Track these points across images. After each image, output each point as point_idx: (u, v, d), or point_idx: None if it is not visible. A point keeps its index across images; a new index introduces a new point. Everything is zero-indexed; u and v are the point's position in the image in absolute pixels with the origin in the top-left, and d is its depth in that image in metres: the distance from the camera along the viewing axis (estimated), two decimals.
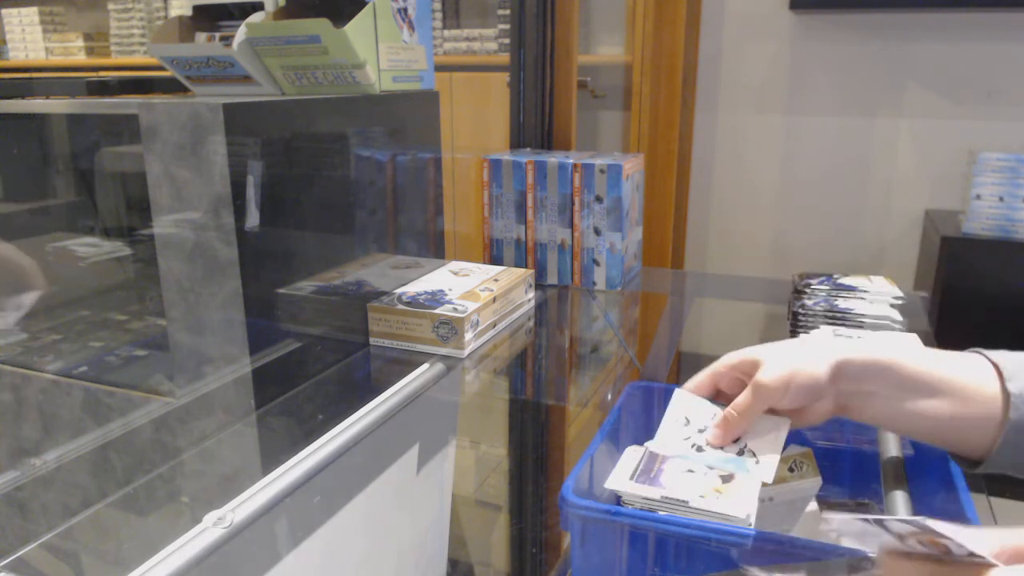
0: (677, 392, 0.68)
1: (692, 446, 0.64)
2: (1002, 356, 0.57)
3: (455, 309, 1.02)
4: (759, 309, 1.43)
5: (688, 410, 0.67)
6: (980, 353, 0.59)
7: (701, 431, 0.65)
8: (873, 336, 1.00)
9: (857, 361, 0.58)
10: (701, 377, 0.67)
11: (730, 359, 0.65)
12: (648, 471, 0.71)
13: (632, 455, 0.75)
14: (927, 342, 0.98)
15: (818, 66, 2.30)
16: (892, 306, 1.11)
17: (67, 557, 0.70)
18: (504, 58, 1.72)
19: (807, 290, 1.15)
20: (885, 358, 0.57)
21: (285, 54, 1.02)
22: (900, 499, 0.62)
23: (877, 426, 0.65)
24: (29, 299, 1.00)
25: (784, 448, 0.63)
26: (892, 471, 0.67)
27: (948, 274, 1.90)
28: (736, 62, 2.40)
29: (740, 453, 0.63)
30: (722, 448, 0.62)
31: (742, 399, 0.61)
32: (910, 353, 0.58)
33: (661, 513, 0.65)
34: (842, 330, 1.02)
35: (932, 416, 0.56)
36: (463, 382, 1.03)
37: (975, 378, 0.56)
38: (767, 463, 0.62)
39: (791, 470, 0.76)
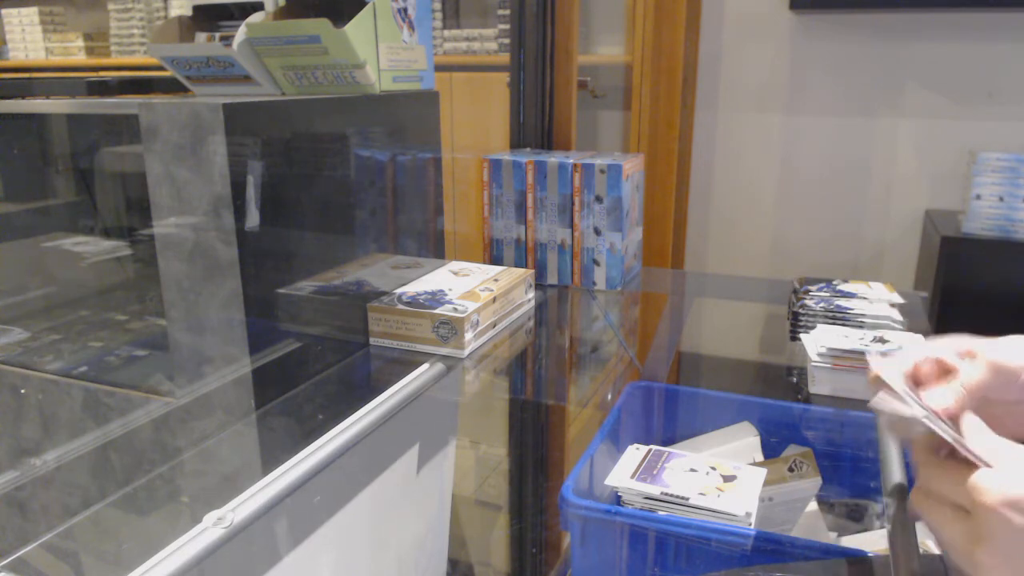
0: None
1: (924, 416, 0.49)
2: None
3: (455, 309, 1.01)
4: (759, 309, 1.43)
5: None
6: None
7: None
8: None
9: None
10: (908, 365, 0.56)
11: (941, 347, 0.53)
12: (651, 469, 0.71)
13: (634, 454, 0.75)
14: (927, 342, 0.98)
15: (818, 66, 2.30)
16: (893, 306, 1.12)
17: (67, 557, 0.70)
18: (504, 58, 1.72)
19: (807, 296, 1.17)
20: None
21: (285, 54, 1.02)
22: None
23: None
24: None
25: None
26: (892, 471, 0.67)
27: (948, 274, 1.90)
28: (736, 62, 2.40)
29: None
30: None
31: (974, 376, 0.50)
32: None
33: (661, 511, 0.65)
34: (846, 330, 1.03)
35: None
36: (463, 382, 1.03)
37: None
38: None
39: (791, 470, 0.75)
